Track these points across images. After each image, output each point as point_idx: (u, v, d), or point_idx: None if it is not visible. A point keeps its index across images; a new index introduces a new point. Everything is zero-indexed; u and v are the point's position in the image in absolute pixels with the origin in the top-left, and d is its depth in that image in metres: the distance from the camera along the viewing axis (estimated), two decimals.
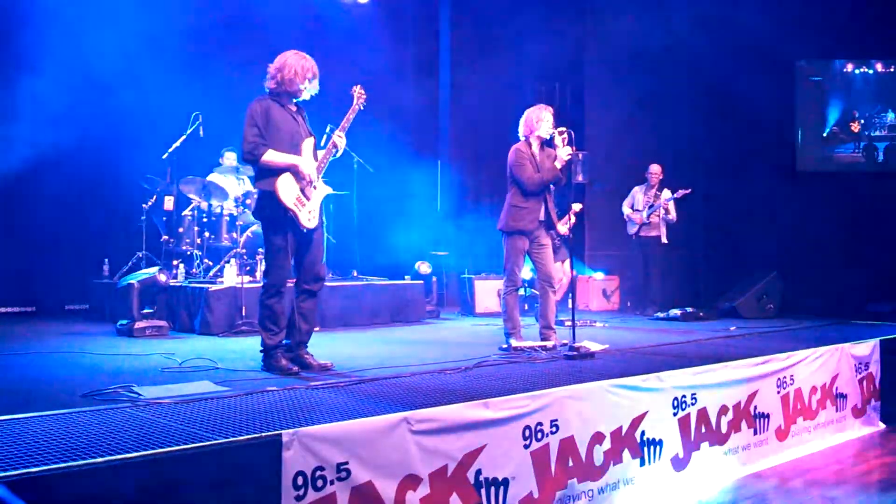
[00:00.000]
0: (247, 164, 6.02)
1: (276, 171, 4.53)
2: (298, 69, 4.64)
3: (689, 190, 9.09)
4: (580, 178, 5.68)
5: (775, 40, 10.45)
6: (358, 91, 4.99)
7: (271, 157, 4.53)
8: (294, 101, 4.76)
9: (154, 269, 6.77)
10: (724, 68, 10.55)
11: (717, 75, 10.59)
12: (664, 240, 9.25)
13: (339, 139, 4.79)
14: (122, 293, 6.67)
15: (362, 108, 5.00)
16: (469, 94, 11.60)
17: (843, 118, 10.91)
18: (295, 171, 4.56)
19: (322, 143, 4.92)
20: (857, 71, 10.85)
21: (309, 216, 4.61)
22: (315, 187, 4.67)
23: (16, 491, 2.29)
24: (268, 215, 4.62)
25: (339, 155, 4.89)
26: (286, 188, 4.54)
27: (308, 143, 4.72)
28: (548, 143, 5.93)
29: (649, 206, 9.23)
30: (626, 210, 9.50)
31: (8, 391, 3.96)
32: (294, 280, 4.85)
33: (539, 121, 5.86)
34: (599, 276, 10.65)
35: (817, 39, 10.55)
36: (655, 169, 9.38)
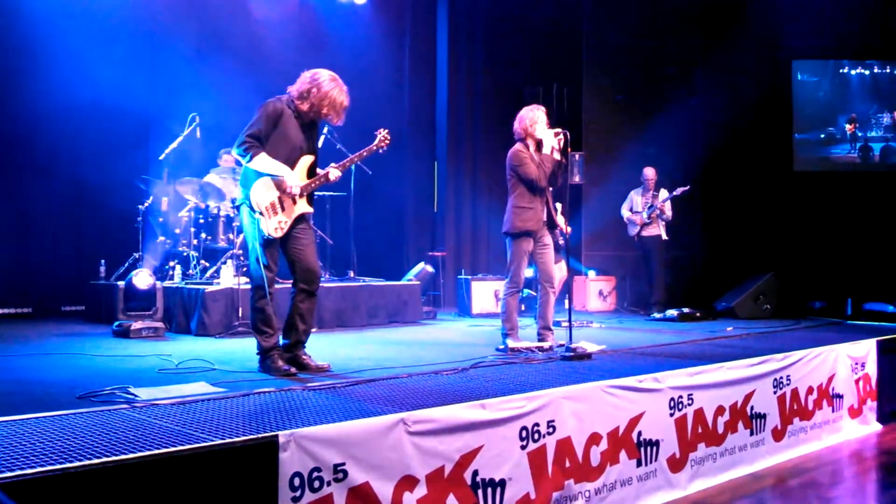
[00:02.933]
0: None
1: (259, 173, 4.54)
2: (337, 106, 4.64)
3: (688, 188, 9.17)
4: (577, 178, 5.66)
5: (772, 40, 10.48)
6: (382, 135, 4.93)
7: (259, 162, 4.51)
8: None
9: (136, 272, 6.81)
10: (720, 68, 10.57)
11: (714, 75, 10.61)
12: (664, 237, 9.37)
13: (333, 172, 4.73)
14: (113, 293, 6.70)
15: (381, 151, 4.97)
16: (466, 94, 11.61)
17: (839, 119, 10.94)
18: (277, 181, 4.56)
19: (318, 144, 4.90)
20: (853, 72, 10.87)
21: (277, 225, 4.56)
22: (295, 202, 4.63)
23: (11, 493, 2.28)
24: (243, 213, 4.65)
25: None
26: (260, 192, 4.53)
27: (305, 161, 4.69)
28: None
29: (648, 207, 9.34)
30: (625, 213, 9.61)
31: (4, 392, 3.95)
32: (288, 281, 4.83)
33: (534, 122, 5.85)
34: (592, 274, 10.67)
35: (814, 40, 10.57)
36: (650, 173, 9.51)
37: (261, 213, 4.51)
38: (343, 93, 4.67)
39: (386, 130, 4.95)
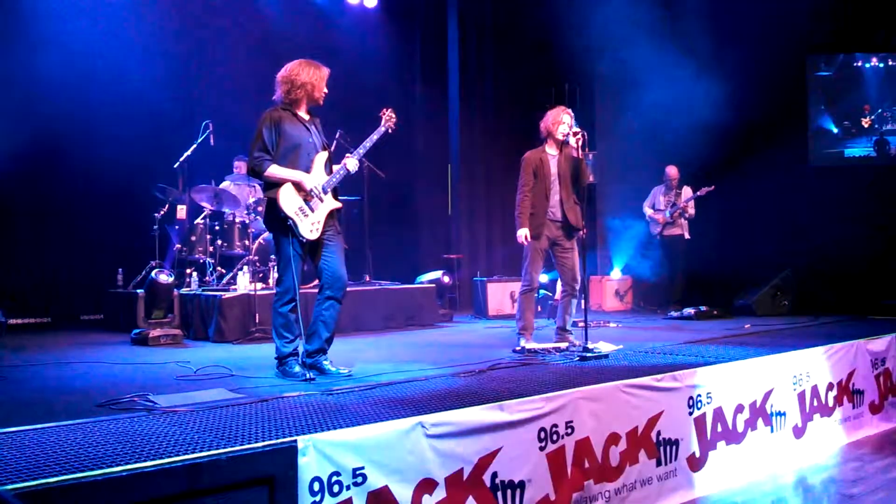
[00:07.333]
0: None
1: (281, 181, 4.57)
2: (317, 80, 4.68)
3: (713, 187, 9.12)
4: (590, 178, 5.66)
5: (785, 34, 10.40)
6: (388, 114, 4.97)
7: (274, 171, 4.56)
8: (308, 108, 4.78)
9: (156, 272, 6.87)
10: (734, 63, 10.50)
11: (728, 71, 10.54)
12: (687, 236, 9.33)
13: (350, 162, 4.78)
14: (131, 302, 6.75)
15: (390, 131, 5.00)
16: (479, 95, 11.60)
17: (854, 113, 10.84)
18: (298, 184, 4.59)
19: (332, 148, 4.93)
20: (867, 65, 10.77)
21: (311, 227, 4.61)
22: (322, 200, 4.66)
23: (32, 502, 2.30)
24: (272, 223, 4.68)
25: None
26: (287, 198, 4.56)
27: (321, 157, 4.73)
28: (565, 143, 5.94)
29: (671, 206, 9.28)
30: (647, 211, 9.57)
31: (25, 402, 3.99)
32: (308, 286, 4.85)
33: (556, 123, 5.89)
34: (617, 273, 10.65)
35: (828, 33, 10.49)
36: (672, 172, 9.45)
37: (292, 220, 4.53)
38: (317, 66, 4.72)
39: (391, 109, 5.01)
